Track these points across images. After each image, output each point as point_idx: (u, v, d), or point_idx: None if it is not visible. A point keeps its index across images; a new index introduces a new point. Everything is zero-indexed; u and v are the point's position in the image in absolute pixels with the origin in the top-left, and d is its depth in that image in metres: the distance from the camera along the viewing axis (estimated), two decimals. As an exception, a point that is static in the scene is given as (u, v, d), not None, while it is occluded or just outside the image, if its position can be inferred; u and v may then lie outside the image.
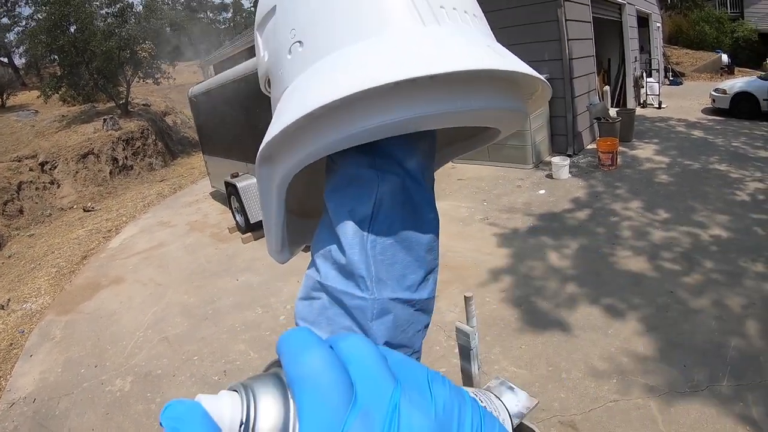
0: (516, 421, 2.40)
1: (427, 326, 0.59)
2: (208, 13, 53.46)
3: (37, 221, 12.58)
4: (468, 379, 2.32)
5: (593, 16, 11.26)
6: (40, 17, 18.50)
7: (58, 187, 14.22)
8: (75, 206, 13.52)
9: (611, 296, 4.97)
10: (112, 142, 16.08)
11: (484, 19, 0.56)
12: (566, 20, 9.42)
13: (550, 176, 9.07)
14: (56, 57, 19.01)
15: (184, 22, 25.11)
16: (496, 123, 0.55)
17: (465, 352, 2.27)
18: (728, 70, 22.02)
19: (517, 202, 8.05)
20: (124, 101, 19.06)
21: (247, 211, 7.98)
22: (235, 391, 0.33)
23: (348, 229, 0.52)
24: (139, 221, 11.09)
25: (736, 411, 3.36)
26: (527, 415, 2.45)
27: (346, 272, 0.52)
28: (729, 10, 26.16)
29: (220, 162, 9.83)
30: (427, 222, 0.56)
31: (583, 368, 3.99)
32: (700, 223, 6.43)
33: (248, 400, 0.32)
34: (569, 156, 9.80)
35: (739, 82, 13.79)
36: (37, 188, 13.61)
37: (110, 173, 15.52)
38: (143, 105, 20.89)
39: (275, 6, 0.55)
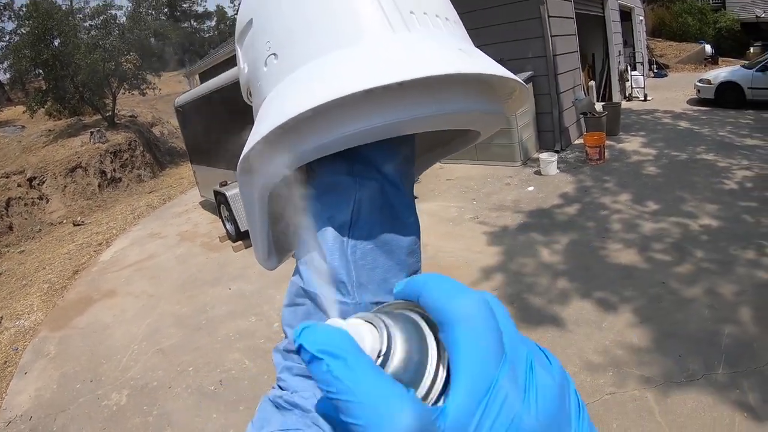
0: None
1: None
2: (192, 22, 53.35)
3: (27, 237, 12.51)
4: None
5: (576, 12, 11.33)
6: (24, 32, 18.43)
7: (47, 202, 14.15)
8: (65, 221, 13.44)
9: (603, 289, 4.99)
10: (100, 155, 16.01)
11: (459, 22, 0.56)
12: (549, 17, 9.45)
13: (538, 173, 9.10)
14: (41, 71, 18.96)
15: (169, 32, 25.00)
16: (474, 125, 0.55)
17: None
18: (712, 61, 22.19)
19: (507, 199, 8.07)
20: (110, 113, 18.99)
21: (237, 219, 7.95)
22: (369, 322, 0.33)
23: (328, 236, 0.53)
24: (129, 233, 11.04)
25: (733, 398, 3.38)
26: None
27: (328, 278, 0.53)
28: (711, 1, 26.42)
29: (208, 171, 9.81)
30: (407, 226, 0.57)
31: (578, 362, 4.00)
32: (689, 213, 6.47)
33: (388, 333, 0.32)
34: (557, 152, 9.85)
35: (723, 71, 13.91)
36: (26, 204, 13.54)
37: (99, 186, 15.45)
38: (130, 116, 20.84)
39: (252, 19, 0.55)
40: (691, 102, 14.20)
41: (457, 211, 7.84)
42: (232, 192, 7.99)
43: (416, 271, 0.58)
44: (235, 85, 7.04)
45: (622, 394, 3.60)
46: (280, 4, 0.52)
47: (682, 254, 5.47)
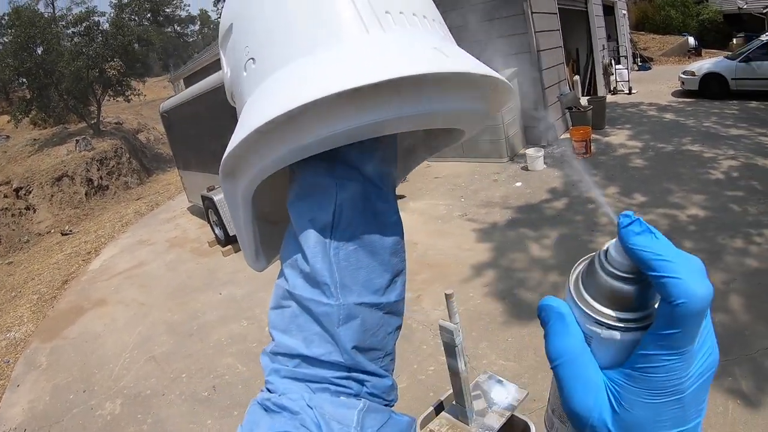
0: (507, 414, 2.42)
1: (399, 328, 0.59)
2: (176, 26, 53.10)
3: (15, 248, 12.43)
4: (455, 376, 2.32)
5: (559, 8, 11.38)
6: (6, 40, 18.32)
7: (34, 212, 14.07)
8: (52, 230, 13.37)
9: (594, 283, 4.99)
10: (86, 163, 15.93)
11: (439, 19, 0.56)
12: (532, 13, 9.50)
13: (525, 168, 9.13)
14: (24, 80, 18.84)
15: (152, 37, 24.91)
16: (457, 123, 0.55)
17: (450, 350, 2.27)
18: (696, 53, 22.32)
19: (495, 196, 8.09)
20: (95, 121, 18.91)
21: (225, 223, 7.92)
22: None
23: (310, 238, 0.53)
24: (118, 241, 10.98)
25: (726, 386, 3.41)
26: (518, 407, 2.47)
27: (312, 280, 0.52)
28: (693, -7, 26.53)
29: (195, 176, 9.76)
30: (390, 225, 0.57)
31: (570, 356, 4.01)
32: (676, 204, 6.51)
33: None
34: (543, 147, 9.87)
35: (707, 63, 14.03)
36: (13, 215, 13.45)
37: (86, 195, 15.37)
38: (115, 123, 20.74)
39: (232, 24, 0.55)
40: (675, 94, 14.29)
41: (446, 209, 7.85)
42: (219, 196, 7.95)
43: (401, 271, 0.58)
44: (219, 89, 7.02)
45: (615, 387, 3.61)
46: (259, 8, 0.52)
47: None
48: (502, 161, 9.76)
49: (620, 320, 0.38)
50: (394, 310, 0.57)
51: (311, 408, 0.49)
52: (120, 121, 21.22)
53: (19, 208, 13.73)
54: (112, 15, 23.15)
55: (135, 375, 5.23)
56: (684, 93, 13.93)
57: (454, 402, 2.44)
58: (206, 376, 4.89)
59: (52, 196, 14.58)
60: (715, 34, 24.15)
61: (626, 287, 0.38)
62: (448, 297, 2.23)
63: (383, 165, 0.58)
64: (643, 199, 6.89)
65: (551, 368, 0.42)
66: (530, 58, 9.76)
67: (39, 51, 18.15)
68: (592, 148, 9.40)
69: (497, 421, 2.34)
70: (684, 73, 14.03)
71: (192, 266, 8.13)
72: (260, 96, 0.49)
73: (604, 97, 12.21)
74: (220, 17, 0.60)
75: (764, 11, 22.86)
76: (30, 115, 18.96)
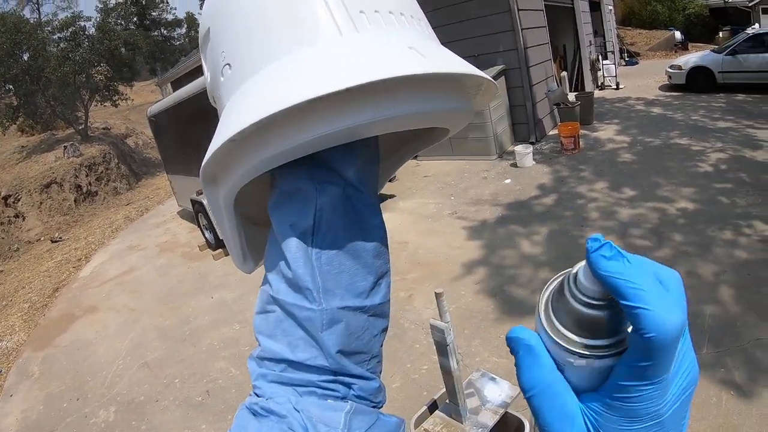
0: (501, 411, 2.42)
1: (385, 330, 0.59)
2: (162, 30, 52.83)
3: (4, 257, 12.34)
4: (448, 375, 2.33)
5: (545, 4, 11.42)
6: (-8, 47, 18.21)
7: (24, 219, 13.97)
8: (42, 238, 13.28)
9: (585, 278, 5.01)
10: (75, 170, 15.83)
11: (419, 16, 0.54)
12: (519, 10, 9.52)
13: (514, 165, 9.15)
14: (11, 86, 18.71)
15: (139, 41, 24.78)
16: (437, 123, 0.54)
17: (441, 348, 2.27)
18: (682, 47, 22.46)
19: (484, 193, 8.11)
20: (83, 126, 18.80)
21: (215, 227, 7.89)
22: None
23: (291, 243, 0.52)
24: (108, 247, 10.92)
25: (718, 377, 3.44)
26: (511, 404, 2.47)
27: (294, 285, 0.52)
28: (680, -12, 26.67)
29: (184, 180, 9.72)
30: (372, 228, 0.56)
31: (563, 352, 4.02)
32: (665, 198, 6.54)
33: None
34: (532, 143, 9.90)
35: (693, 57, 14.11)
36: (1, 223, 13.36)
37: (75, 201, 15.27)
38: (103, 129, 20.64)
39: (209, 28, 0.55)
40: (663, 88, 14.37)
41: (436, 208, 7.86)
42: (209, 200, 7.92)
43: (385, 273, 0.58)
44: (206, 92, 7.01)
45: (608, 381, 3.62)
46: (232, 13, 0.51)
47: (661, 238, 5.53)
48: (491, 158, 9.78)
49: (593, 347, 0.38)
50: (379, 312, 0.57)
51: (298, 411, 0.49)
52: (108, 126, 21.11)
53: (8, 216, 13.63)
54: (98, 19, 23.00)
55: (128, 381, 5.20)
56: (671, 87, 14.02)
57: (447, 401, 2.44)
58: (199, 381, 4.87)
59: (41, 203, 14.49)
60: (701, 28, 24.30)
61: (597, 314, 0.37)
62: (438, 296, 2.24)
63: (364, 167, 0.57)
64: (632, 193, 6.92)
65: (525, 399, 0.41)
66: (517, 55, 9.78)
67: (25, 57, 18.00)
68: (580, 143, 9.43)
69: (491, 419, 2.34)
70: (671, 67, 14.11)
71: (183, 271, 8.09)
72: (235, 102, 0.48)
73: (591, 93, 12.27)
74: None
75: (750, 4, 23.03)
76: (17, 122, 18.85)
